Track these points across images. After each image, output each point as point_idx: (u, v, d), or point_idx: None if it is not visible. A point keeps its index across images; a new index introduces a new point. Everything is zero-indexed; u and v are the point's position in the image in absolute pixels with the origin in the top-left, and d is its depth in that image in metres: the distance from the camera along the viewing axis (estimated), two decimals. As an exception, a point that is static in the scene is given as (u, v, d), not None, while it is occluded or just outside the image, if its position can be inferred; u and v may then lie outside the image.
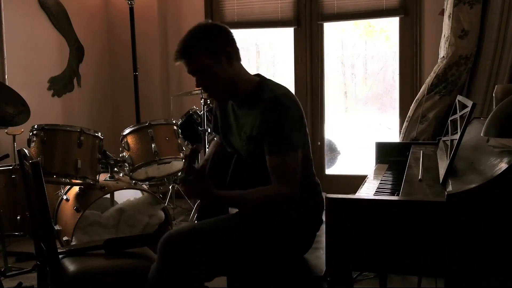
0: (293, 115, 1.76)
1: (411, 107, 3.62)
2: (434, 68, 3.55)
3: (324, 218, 1.75)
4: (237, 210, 1.86)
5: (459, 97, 2.15)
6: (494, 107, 2.75)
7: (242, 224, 1.79)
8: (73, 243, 2.92)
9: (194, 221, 3.58)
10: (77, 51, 4.59)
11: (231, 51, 1.80)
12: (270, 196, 1.74)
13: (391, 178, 2.12)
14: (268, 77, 1.90)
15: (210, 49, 1.76)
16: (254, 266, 1.80)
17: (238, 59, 1.84)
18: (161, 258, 1.71)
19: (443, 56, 3.50)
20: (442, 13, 3.70)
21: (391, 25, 4.58)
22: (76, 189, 3.19)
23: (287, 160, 1.72)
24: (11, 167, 3.12)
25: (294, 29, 4.62)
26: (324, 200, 1.53)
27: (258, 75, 1.90)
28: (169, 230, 1.74)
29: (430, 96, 3.48)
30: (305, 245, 1.89)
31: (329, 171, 4.77)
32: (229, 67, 1.79)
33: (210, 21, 1.89)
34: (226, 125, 1.98)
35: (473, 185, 1.39)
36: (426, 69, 4.19)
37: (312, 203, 1.88)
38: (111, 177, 3.27)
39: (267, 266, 1.80)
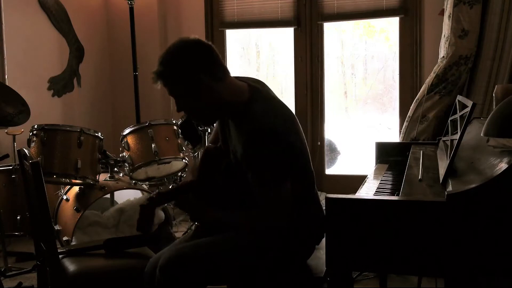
0: (275, 148, 1.63)
1: (411, 107, 3.62)
2: (434, 68, 3.55)
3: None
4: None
5: (459, 97, 2.15)
6: (494, 107, 2.75)
7: (240, 244, 1.74)
8: (73, 243, 2.93)
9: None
10: (77, 51, 4.59)
11: (215, 71, 1.68)
12: (255, 225, 1.69)
13: (391, 178, 2.12)
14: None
15: (191, 72, 1.67)
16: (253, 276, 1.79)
17: (225, 75, 1.71)
18: (164, 281, 1.68)
19: (443, 56, 3.50)
20: (442, 13, 3.70)
21: (391, 25, 4.57)
22: (76, 189, 3.19)
23: (269, 193, 1.64)
24: (11, 167, 3.12)
25: (294, 29, 4.62)
26: (325, 200, 1.53)
27: (248, 84, 1.78)
28: (167, 253, 1.75)
29: (430, 96, 3.48)
30: (306, 254, 1.86)
31: (329, 171, 4.76)
32: (213, 89, 1.68)
33: (192, 37, 1.72)
34: (223, 132, 1.91)
35: (473, 185, 1.40)
36: (426, 69, 4.18)
37: (311, 221, 1.81)
38: (111, 177, 3.27)
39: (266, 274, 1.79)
